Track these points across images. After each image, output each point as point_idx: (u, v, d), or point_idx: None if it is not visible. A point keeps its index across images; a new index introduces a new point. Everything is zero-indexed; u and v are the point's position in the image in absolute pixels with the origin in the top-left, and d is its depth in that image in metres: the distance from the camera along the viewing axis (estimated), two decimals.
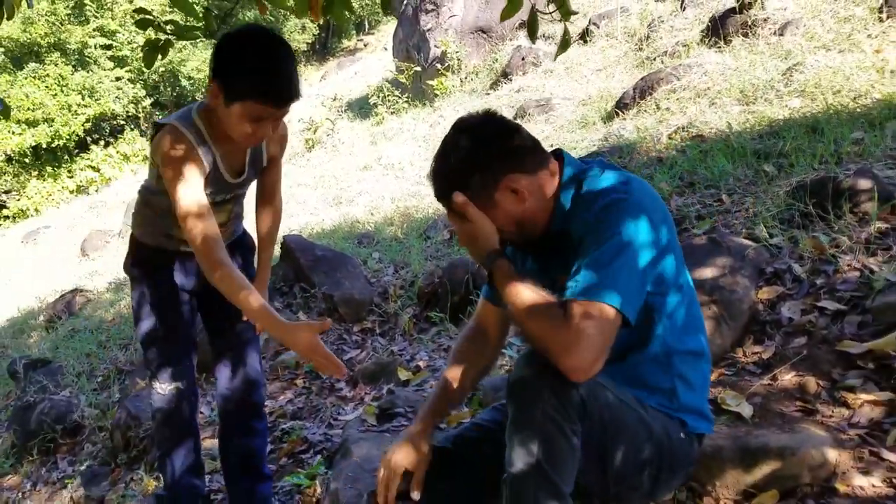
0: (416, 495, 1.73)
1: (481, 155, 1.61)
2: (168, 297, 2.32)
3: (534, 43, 2.68)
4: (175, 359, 2.35)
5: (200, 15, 2.54)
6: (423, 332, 3.93)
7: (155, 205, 2.25)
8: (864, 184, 2.90)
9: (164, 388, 2.35)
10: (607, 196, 1.57)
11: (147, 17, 2.31)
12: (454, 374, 1.92)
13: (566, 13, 2.51)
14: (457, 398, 1.95)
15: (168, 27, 2.29)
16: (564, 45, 2.56)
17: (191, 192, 1.95)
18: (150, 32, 2.22)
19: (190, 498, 2.55)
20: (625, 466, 1.62)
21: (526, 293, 1.53)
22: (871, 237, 2.72)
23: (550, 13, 2.57)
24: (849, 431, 2.08)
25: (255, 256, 2.54)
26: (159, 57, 2.30)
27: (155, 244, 2.30)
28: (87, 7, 24.89)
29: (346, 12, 2.71)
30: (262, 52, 1.90)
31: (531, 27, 2.63)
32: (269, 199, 2.41)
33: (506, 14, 2.53)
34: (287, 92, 1.93)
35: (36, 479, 4.11)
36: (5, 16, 3.10)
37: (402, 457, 1.75)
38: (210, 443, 3.37)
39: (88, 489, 3.61)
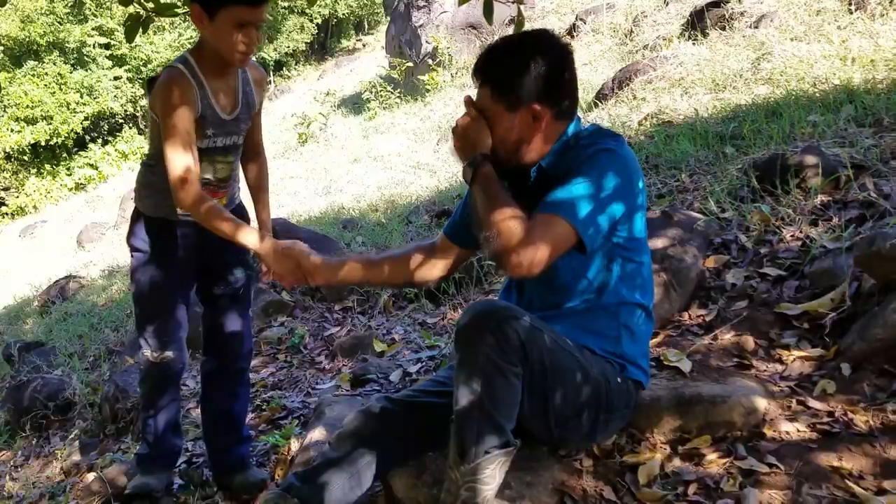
0: None
1: (540, 81, 1.73)
2: (166, 267, 2.41)
3: (490, 24, 2.84)
4: (169, 327, 2.44)
5: None
6: (400, 310, 4.09)
7: (161, 173, 2.32)
8: (811, 160, 3.06)
9: (155, 354, 2.45)
10: (599, 144, 1.75)
11: None
12: (388, 256, 2.15)
13: None
14: (375, 275, 2.14)
15: (149, 4, 2.44)
16: (519, 25, 2.72)
17: (180, 129, 2.14)
18: (132, 9, 2.38)
19: (171, 455, 2.69)
20: (564, 408, 1.76)
21: (501, 195, 1.69)
22: (814, 209, 2.88)
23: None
24: (780, 383, 2.23)
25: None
26: (140, 32, 2.45)
27: (160, 215, 2.38)
28: (86, 6, 25.02)
29: None
30: None
31: (487, 10, 2.79)
32: (253, 151, 2.54)
33: None
34: None
35: (28, 453, 4.25)
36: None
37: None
38: (195, 413, 3.53)
39: (78, 458, 3.76)
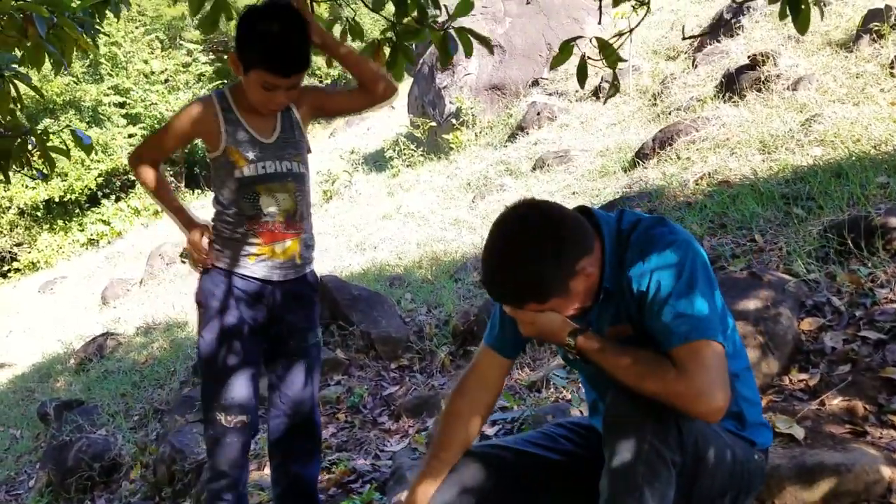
0: None
1: (561, 258, 1.56)
2: (230, 321, 2.31)
3: (583, 88, 2.85)
4: (240, 392, 2.32)
5: None
6: (459, 368, 4.02)
7: (222, 219, 2.31)
8: (895, 221, 3.05)
9: (229, 418, 2.32)
10: (658, 242, 1.61)
11: None
12: (451, 435, 1.85)
13: (614, 62, 2.68)
14: (455, 460, 1.83)
15: None
16: (614, 89, 2.74)
17: (165, 130, 2.34)
18: None
19: None
20: (710, 493, 1.66)
21: (626, 359, 1.56)
22: None
23: (600, 60, 2.71)
24: None
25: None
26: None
27: (223, 266, 2.31)
28: (102, 66, 25.47)
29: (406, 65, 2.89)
30: (268, 25, 2.10)
31: (581, 74, 2.79)
32: (354, 90, 2.44)
33: (557, 62, 2.69)
34: (290, 63, 2.12)
35: None
36: (63, 66, 3.28)
37: None
38: (256, 475, 3.44)
39: None
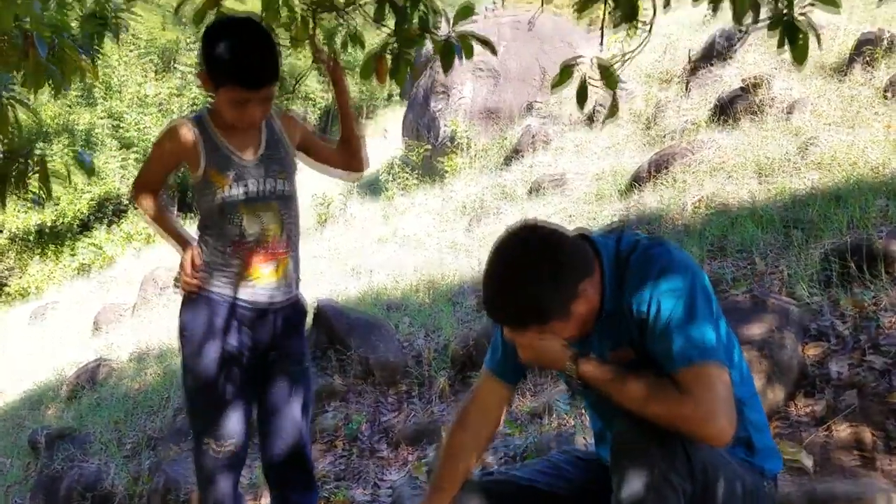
0: None
1: (560, 280, 1.56)
2: (228, 357, 2.25)
3: (582, 111, 2.84)
4: (232, 420, 2.26)
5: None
6: (458, 395, 3.98)
7: (206, 243, 2.27)
8: None
9: (218, 448, 2.26)
10: (657, 263, 1.60)
11: None
12: (452, 469, 1.84)
13: (613, 83, 2.68)
14: (456, 491, 1.82)
15: None
16: (613, 110, 2.74)
17: (151, 162, 2.34)
18: None
19: None
20: None
21: (630, 382, 1.54)
22: None
23: (600, 82, 2.71)
24: None
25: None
26: None
27: (209, 289, 2.24)
28: (96, 90, 25.47)
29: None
30: (234, 39, 2.07)
31: (581, 96, 2.79)
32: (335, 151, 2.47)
33: (557, 83, 2.68)
34: (259, 75, 2.07)
35: None
36: (62, 86, 3.25)
37: None
38: None
39: None
